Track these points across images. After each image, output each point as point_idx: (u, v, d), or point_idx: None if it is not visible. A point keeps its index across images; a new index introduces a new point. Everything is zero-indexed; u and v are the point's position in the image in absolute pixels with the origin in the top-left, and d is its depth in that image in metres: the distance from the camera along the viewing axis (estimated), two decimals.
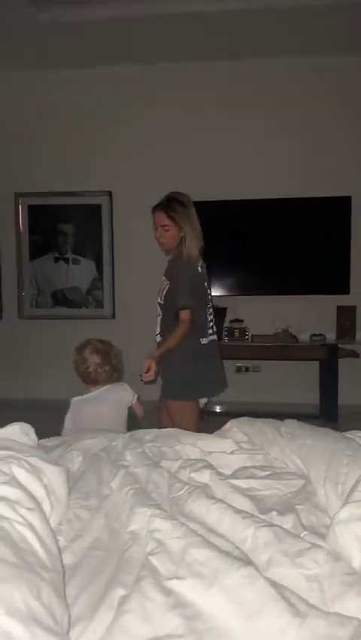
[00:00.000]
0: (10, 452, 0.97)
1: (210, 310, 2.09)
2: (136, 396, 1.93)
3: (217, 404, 3.84)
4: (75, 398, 1.80)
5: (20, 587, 0.52)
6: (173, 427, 1.79)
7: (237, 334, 3.53)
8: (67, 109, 3.81)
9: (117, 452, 1.28)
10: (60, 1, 3.03)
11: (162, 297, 2.03)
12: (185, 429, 1.78)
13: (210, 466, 1.12)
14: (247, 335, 3.55)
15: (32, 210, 3.89)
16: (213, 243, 3.85)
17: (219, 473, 1.10)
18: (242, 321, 3.60)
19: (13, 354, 3.99)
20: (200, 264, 2.05)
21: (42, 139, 3.84)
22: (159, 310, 2.07)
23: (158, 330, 2.05)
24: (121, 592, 0.73)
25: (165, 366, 1.92)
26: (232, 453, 1.22)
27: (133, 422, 1.90)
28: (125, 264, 3.90)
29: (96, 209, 3.85)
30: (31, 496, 0.78)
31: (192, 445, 1.27)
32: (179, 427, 1.79)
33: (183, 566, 0.76)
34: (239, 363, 3.80)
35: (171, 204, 1.96)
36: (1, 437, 1.10)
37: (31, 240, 3.93)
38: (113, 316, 3.93)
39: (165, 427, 1.75)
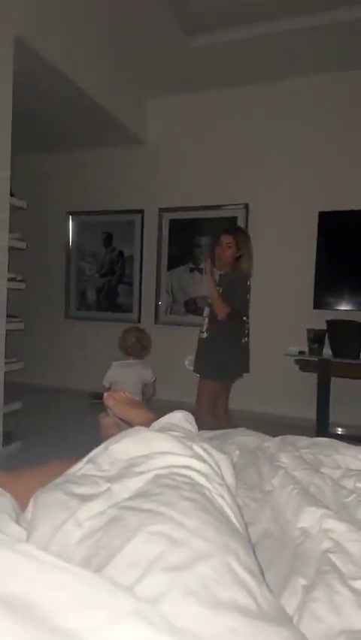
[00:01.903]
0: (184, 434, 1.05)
1: (248, 319, 2.65)
2: (154, 377, 2.64)
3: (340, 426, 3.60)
4: (115, 362, 2.63)
5: (241, 545, 0.56)
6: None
7: None
8: (208, 127, 4.03)
9: (270, 453, 1.30)
10: (210, 25, 3.26)
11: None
12: (204, 402, 2.54)
13: None
14: None
15: (173, 224, 4.18)
16: (350, 253, 3.67)
17: None
18: None
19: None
20: (250, 280, 2.64)
21: (184, 157, 4.12)
22: (206, 312, 2.63)
23: (204, 329, 2.62)
24: (303, 582, 0.75)
25: (214, 353, 2.51)
26: None
27: None
28: (254, 274, 3.94)
29: (232, 221, 3.97)
30: (217, 473, 0.83)
31: (353, 456, 1.22)
32: (200, 400, 2.56)
33: None
34: None
35: (237, 231, 2.67)
36: (167, 422, 1.20)
37: (170, 252, 4.21)
38: None
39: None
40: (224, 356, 2.50)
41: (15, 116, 2.61)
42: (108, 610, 0.33)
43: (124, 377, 2.50)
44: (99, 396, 3.41)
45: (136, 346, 2.60)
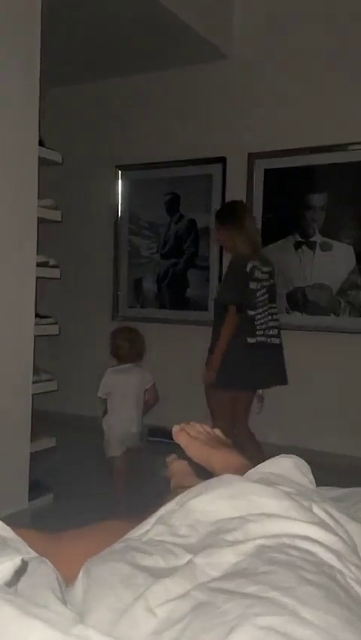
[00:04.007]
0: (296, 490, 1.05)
1: (264, 312, 3.06)
2: (153, 381, 3.10)
3: None
4: (109, 368, 3.10)
5: None
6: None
7: None
8: (317, 34, 3.97)
9: None
10: None
11: (216, 293, 3.32)
12: (217, 414, 2.98)
13: None
14: None
15: (270, 176, 4.15)
16: None
17: None
18: None
19: None
20: (250, 266, 2.98)
21: (285, 78, 4.09)
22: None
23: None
24: None
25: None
26: None
27: None
28: None
29: (357, 167, 3.86)
30: (351, 548, 0.82)
31: None
32: (212, 412, 3.04)
33: None
34: None
35: (221, 214, 3.25)
36: (270, 472, 1.20)
37: (265, 218, 4.18)
38: None
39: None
40: (225, 359, 2.93)
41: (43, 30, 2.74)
42: None
43: (122, 385, 3.02)
44: (161, 432, 3.59)
45: (130, 352, 3.09)
